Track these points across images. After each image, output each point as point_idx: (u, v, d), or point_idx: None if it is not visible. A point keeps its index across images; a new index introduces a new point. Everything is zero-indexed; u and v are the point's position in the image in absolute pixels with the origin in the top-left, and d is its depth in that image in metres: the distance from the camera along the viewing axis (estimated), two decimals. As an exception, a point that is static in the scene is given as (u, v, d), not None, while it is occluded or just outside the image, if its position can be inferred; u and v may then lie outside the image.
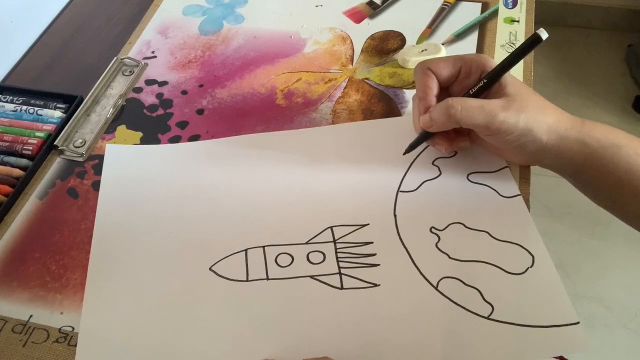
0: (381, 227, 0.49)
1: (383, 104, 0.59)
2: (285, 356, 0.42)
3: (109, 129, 0.59)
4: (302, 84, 0.62)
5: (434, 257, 0.46)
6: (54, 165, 0.56)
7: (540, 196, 1.34)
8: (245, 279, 0.47)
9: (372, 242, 0.48)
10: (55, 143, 0.57)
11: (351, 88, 0.61)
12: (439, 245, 0.47)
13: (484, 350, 0.41)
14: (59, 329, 0.45)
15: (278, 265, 0.47)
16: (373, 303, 0.44)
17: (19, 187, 0.54)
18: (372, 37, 0.66)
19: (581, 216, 1.33)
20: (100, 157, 0.57)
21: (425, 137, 0.51)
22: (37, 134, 0.58)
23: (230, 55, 0.66)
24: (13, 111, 0.60)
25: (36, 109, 0.60)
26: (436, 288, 0.45)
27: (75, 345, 0.44)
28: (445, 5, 0.68)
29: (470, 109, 0.45)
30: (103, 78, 0.63)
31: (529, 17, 0.66)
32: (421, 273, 0.46)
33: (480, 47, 0.63)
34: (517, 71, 0.59)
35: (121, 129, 0.59)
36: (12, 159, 0.56)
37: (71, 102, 0.61)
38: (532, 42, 0.44)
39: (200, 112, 0.60)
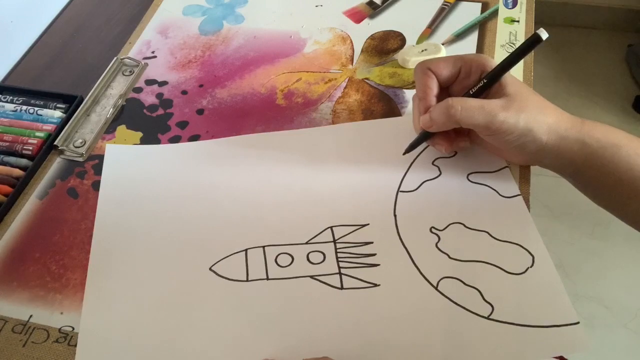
0: (381, 227, 0.49)
1: (383, 104, 0.59)
2: (285, 356, 0.42)
3: (109, 129, 0.59)
4: (302, 84, 0.62)
5: (434, 257, 0.46)
6: (54, 165, 0.56)
7: (540, 196, 1.34)
8: (245, 279, 0.47)
9: (372, 242, 0.48)
10: (55, 143, 0.57)
11: (351, 88, 0.61)
12: (439, 245, 0.47)
13: (484, 350, 0.41)
14: (59, 329, 0.45)
15: (278, 265, 0.47)
16: (373, 303, 0.44)
17: (19, 187, 0.54)
18: (372, 37, 0.66)
19: (581, 216, 1.33)
20: (100, 157, 0.57)
21: (425, 137, 0.51)
22: (37, 134, 0.58)
23: (230, 55, 0.66)
24: (13, 111, 0.60)
25: (36, 109, 0.60)
26: (436, 288, 0.45)
27: (75, 345, 0.44)
28: (445, 5, 0.68)
29: (470, 109, 0.45)
30: (103, 78, 0.63)
31: (529, 17, 0.66)
32: (421, 273, 0.46)
33: (480, 47, 0.63)
34: (517, 71, 0.59)
35: (121, 129, 0.59)
36: (12, 159, 0.56)
37: (71, 102, 0.61)
38: (532, 42, 0.44)
39: (200, 112, 0.60)
